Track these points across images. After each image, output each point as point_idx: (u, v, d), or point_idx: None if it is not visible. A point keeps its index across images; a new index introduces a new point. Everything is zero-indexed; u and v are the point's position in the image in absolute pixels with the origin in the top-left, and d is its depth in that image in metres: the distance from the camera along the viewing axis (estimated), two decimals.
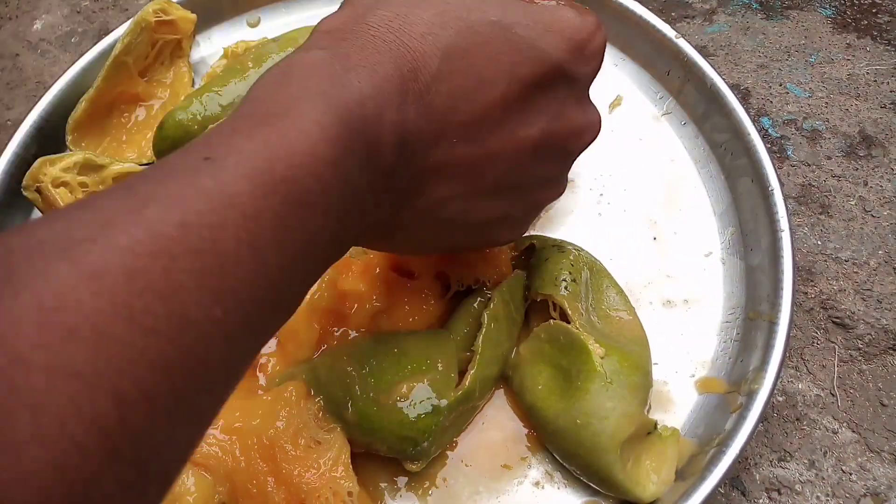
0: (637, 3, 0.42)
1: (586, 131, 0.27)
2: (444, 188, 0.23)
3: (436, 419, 0.30)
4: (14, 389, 0.11)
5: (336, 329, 0.33)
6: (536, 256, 0.35)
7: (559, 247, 0.35)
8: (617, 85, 0.43)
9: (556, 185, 0.29)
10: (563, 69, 0.24)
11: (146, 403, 0.13)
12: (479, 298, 0.33)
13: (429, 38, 0.21)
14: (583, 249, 0.35)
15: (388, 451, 0.31)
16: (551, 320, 0.32)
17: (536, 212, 0.30)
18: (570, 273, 0.33)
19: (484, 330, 0.32)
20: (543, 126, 0.24)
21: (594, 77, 0.26)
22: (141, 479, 0.13)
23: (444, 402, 0.30)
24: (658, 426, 0.32)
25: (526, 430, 0.33)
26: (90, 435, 0.12)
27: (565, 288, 0.32)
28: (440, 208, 0.24)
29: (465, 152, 0.23)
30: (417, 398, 0.30)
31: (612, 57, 0.44)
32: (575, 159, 0.28)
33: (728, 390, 0.33)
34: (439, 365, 0.31)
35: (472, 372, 0.31)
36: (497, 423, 0.33)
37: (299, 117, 0.17)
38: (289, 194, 0.16)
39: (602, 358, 0.30)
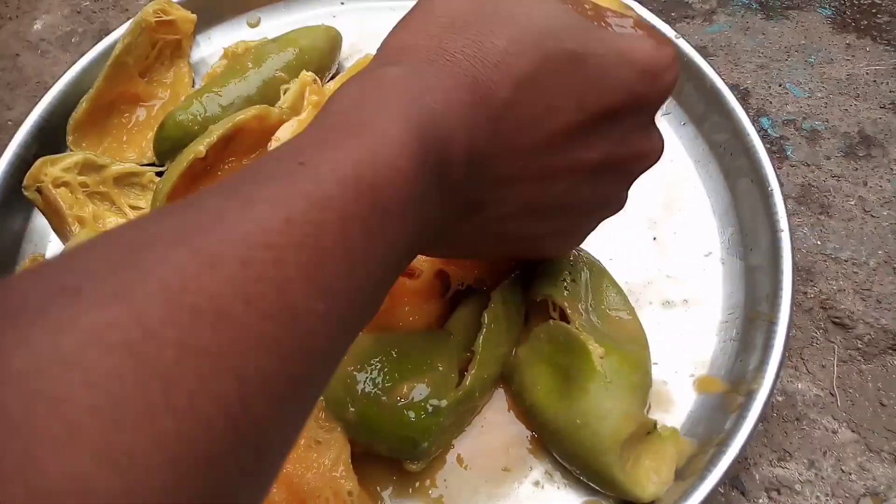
0: (637, 3, 0.42)
1: (648, 156, 0.27)
2: (504, 205, 0.24)
3: (436, 419, 0.30)
4: (148, 361, 0.12)
5: None
6: None
7: None
8: None
9: (613, 204, 0.29)
10: (632, 100, 0.24)
11: (264, 388, 0.13)
12: (479, 299, 0.33)
13: (503, 66, 0.22)
14: (582, 249, 0.35)
15: (388, 452, 0.31)
16: (551, 320, 0.32)
17: (591, 227, 0.30)
18: (569, 273, 0.33)
19: (484, 330, 0.32)
20: (606, 151, 0.25)
21: (662, 104, 0.26)
22: (257, 467, 0.14)
23: (444, 403, 0.30)
24: (657, 426, 0.31)
25: (527, 433, 0.33)
26: (216, 413, 0.12)
27: (565, 288, 0.32)
28: (497, 223, 0.25)
29: (526, 173, 0.23)
30: (417, 398, 0.30)
31: None
32: (634, 180, 0.28)
33: (727, 390, 0.33)
34: (439, 365, 0.31)
35: (472, 372, 0.31)
36: (497, 425, 0.33)
37: (382, 133, 0.18)
38: (373, 201, 0.17)
39: (602, 358, 0.30)
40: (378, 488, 0.32)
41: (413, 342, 0.32)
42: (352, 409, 0.30)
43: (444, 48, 0.22)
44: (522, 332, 0.34)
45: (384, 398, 0.30)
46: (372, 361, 0.31)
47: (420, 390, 0.30)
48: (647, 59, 0.24)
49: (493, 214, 0.24)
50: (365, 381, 0.30)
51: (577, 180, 0.25)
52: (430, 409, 0.29)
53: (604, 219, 0.30)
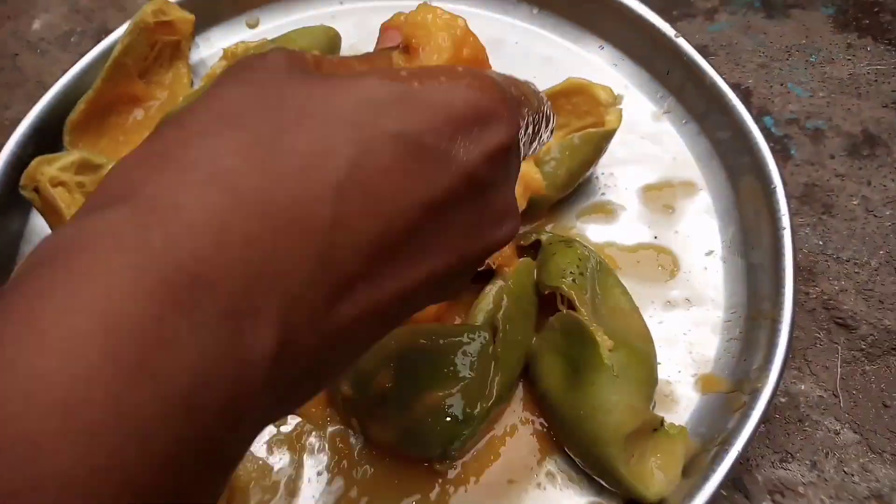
0: (637, 2, 0.42)
1: (500, 241, 0.22)
2: (361, 332, 0.18)
3: (467, 428, 0.30)
4: None
5: None
6: (544, 252, 0.35)
7: (566, 242, 0.35)
8: (617, 84, 0.42)
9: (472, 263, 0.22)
10: (477, 178, 0.19)
11: None
12: (490, 301, 0.33)
13: (313, 174, 0.16)
14: (589, 248, 0.35)
15: (416, 453, 0.31)
16: (564, 310, 0.32)
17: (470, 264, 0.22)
18: (577, 267, 0.33)
19: (500, 335, 0.32)
20: (457, 249, 0.20)
21: (507, 148, 0.20)
22: None
23: (475, 411, 0.30)
24: (665, 423, 0.31)
25: (532, 439, 0.33)
26: None
27: (573, 280, 0.32)
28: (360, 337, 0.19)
29: (371, 298, 0.18)
30: (449, 407, 0.30)
31: (612, 56, 0.44)
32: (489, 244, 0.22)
33: (730, 389, 0.33)
34: (473, 371, 0.31)
35: (497, 379, 0.31)
36: (504, 437, 0.33)
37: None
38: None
39: (610, 351, 0.30)
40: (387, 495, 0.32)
41: (450, 345, 0.31)
42: (379, 412, 0.30)
43: (207, 158, 0.15)
44: (537, 322, 0.34)
45: (417, 403, 0.30)
46: (408, 364, 0.31)
47: (453, 400, 0.30)
48: (475, 114, 0.19)
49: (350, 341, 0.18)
50: (400, 384, 0.30)
51: (427, 285, 0.19)
52: (461, 417, 0.30)
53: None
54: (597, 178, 0.40)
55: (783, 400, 0.36)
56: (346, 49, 0.45)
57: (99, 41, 0.43)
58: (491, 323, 0.33)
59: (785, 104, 0.46)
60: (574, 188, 0.38)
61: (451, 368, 0.30)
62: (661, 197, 0.39)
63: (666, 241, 0.38)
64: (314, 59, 0.19)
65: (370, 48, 0.45)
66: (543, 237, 0.35)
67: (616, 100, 0.36)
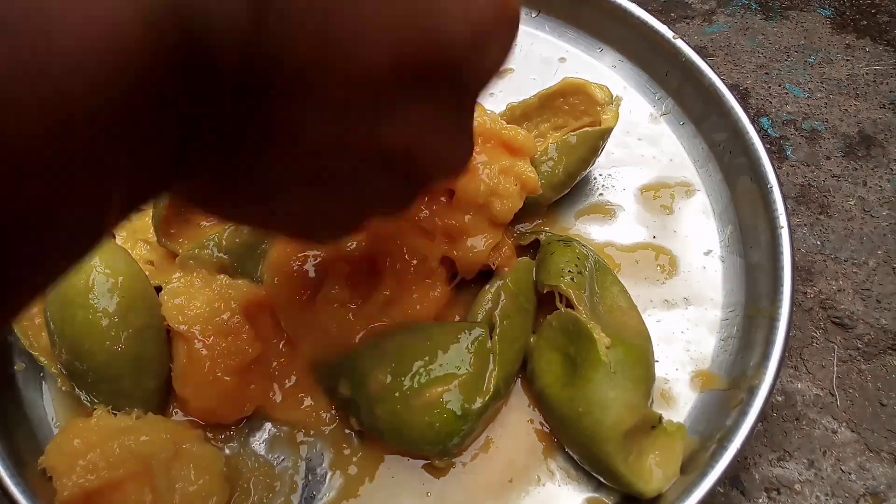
0: (635, 5, 0.42)
1: (450, 163, 0.21)
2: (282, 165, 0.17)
3: (465, 423, 0.30)
4: None
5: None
6: (542, 251, 0.35)
7: (565, 241, 0.35)
8: (615, 86, 0.43)
9: (392, 202, 0.22)
10: (456, 61, 0.17)
11: None
12: (489, 300, 0.34)
13: None
14: (587, 247, 0.36)
15: (416, 450, 0.31)
16: (562, 308, 0.32)
17: (360, 219, 0.22)
18: (575, 265, 0.33)
19: (498, 329, 0.32)
20: (408, 139, 0.18)
21: (486, 85, 0.19)
22: None
23: (473, 406, 0.30)
24: (663, 421, 0.31)
25: (532, 437, 0.33)
26: None
27: (571, 279, 0.33)
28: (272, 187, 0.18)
29: (306, 142, 0.17)
30: (447, 402, 0.30)
31: (610, 58, 0.44)
32: (426, 185, 0.21)
33: (727, 387, 0.33)
34: (470, 366, 0.31)
35: (494, 373, 0.31)
36: (502, 435, 0.33)
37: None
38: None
39: (608, 348, 0.30)
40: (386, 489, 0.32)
41: (447, 340, 0.31)
42: (381, 408, 0.30)
43: None
44: (536, 321, 0.34)
45: (414, 400, 0.30)
46: (402, 360, 0.31)
47: (451, 394, 0.30)
48: (483, 13, 0.17)
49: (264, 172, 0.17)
50: (396, 381, 0.30)
51: (358, 165, 0.18)
52: (458, 412, 0.30)
53: (378, 215, 0.22)
54: (595, 178, 0.40)
55: (780, 398, 0.37)
56: None
57: None
58: (489, 320, 0.33)
59: (782, 105, 0.46)
60: (572, 188, 0.38)
61: (449, 364, 0.31)
62: (659, 197, 0.40)
63: (664, 241, 0.38)
64: None
65: None
66: (542, 237, 0.36)
67: (613, 99, 0.37)
